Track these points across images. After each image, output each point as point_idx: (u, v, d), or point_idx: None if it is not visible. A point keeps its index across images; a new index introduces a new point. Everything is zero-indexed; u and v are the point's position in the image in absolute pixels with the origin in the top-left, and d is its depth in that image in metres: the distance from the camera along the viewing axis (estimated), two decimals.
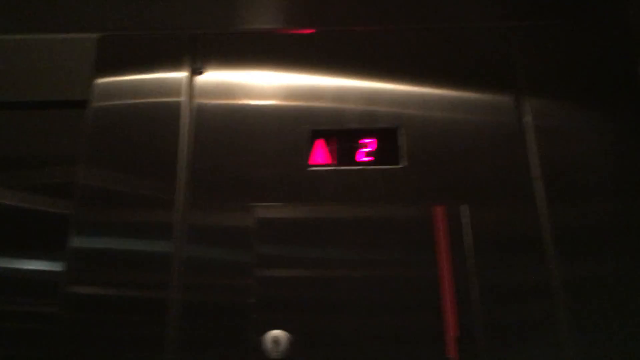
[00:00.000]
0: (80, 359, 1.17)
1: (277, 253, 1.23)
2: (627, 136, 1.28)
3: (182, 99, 1.36)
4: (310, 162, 1.30)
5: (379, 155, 1.30)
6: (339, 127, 1.33)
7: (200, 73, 1.38)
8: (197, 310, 1.18)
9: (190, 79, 1.38)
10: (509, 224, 1.23)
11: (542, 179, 1.25)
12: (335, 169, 1.29)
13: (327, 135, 1.32)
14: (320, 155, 1.30)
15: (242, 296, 1.18)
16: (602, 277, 1.18)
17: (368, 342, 1.16)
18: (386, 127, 1.32)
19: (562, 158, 1.27)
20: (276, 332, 1.14)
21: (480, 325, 1.15)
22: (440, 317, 1.16)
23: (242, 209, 1.25)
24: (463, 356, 1.13)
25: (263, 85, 1.37)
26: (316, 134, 1.32)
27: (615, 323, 1.14)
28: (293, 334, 1.14)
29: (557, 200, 1.24)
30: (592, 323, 1.15)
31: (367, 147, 1.30)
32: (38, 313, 1.42)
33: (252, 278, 1.19)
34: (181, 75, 1.38)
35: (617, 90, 1.32)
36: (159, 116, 1.35)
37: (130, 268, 1.22)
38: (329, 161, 1.30)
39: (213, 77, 1.38)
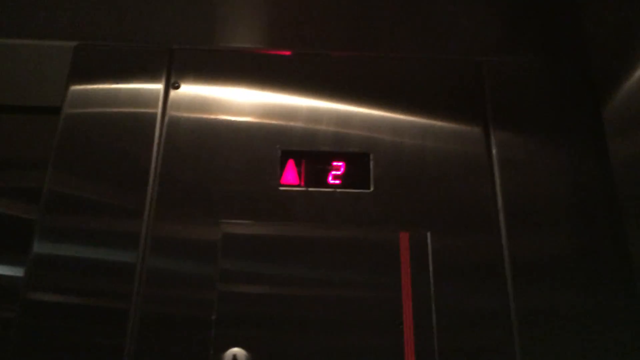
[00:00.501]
0: None
1: (241, 269, 1.23)
2: (587, 172, 1.32)
3: (157, 110, 1.36)
4: (282, 181, 1.30)
5: (348, 179, 1.31)
6: (310, 149, 1.34)
7: (177, 87, 1.38)
8: (158, 323, 1.17)
9: (166, 92, 1.38)
10: (471, 252, 1.25)
11: (504, 209, 1.28)
12: (304, 190, 1.30)
13: (298, 156, 1.32)
14: (290, 176, 1.31)
15: (204, 311, 1.18)
16: (558, 306, 1.20)
17: (330, 345, 1.17)
18: (357, 152, 1.33)
19: (524, 190, 1.30)
20: (235, 350, 1.14)
21: (439, 351, 1.16)
22: (400, 339, 1.17)
23: (209, 224, 1.25)
24: None
25: (237, 102, 1.38)
26: (287, 155, 1.32)
27: (570, 352, 1.17)
28: (254, 352, 1.14)
29: (517, 230, 1.26)
30: (547, 351, 1.17)
31: (337, 170, 1.32)
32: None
33: (214, 293, 1.19)
34: (157, 87, 1.38)
35: (580, 127, 1.36)
36: (132, 127, 1.34)
37: (93, 277, 1.21)
38: (299, 182, 1.30)
39: (188, 91, 1.39)
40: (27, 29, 1.45)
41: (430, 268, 1.22)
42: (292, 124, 1.36)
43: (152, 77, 1.39)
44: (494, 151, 1.33)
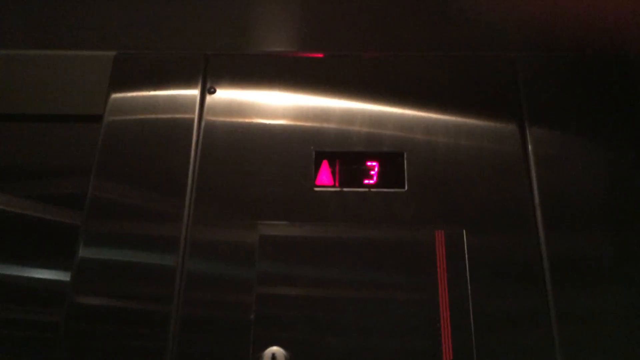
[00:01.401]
0: None
1: (279, 271, 1.24)
2: (627, 168, 1.29)
3: (194, 116, 1.39)
4: (316, 182, 1.31)
5: (382, 179, 1.31)
6: (344, 150, 1.35)
7: (213, 92, 1.41)
8: (198, 325, 1.19)
9: (202, 97, 1.41)
10: (508, 251, 1.24)
11: (541, 207, 1.26)
12: (339, 191, 1.31)
13: (332, 157, 1.33)
14: (324, 177, 1.32)
15: (243, 312, 1.19)
16: (598, 307, 1.18)
17: (368, 348, 1.17)
18: (390, 151, 1.34)
19: (561, 188, 1.28)
20: (274, 349, 1.16)
21: (476, 350, 1.15)
22: (437, 341, 1.16)
23: (246, 226, 1.27)
24: None
25: (271, 105, 1.40)
26: (321, 156, 1.33)
27: (611, 354, 1.14)
28: (291, 352, 1.15)
29: (555, 228, 1.24)
30: (588, 353, 1.14)
31: (371, 170, 1.32)
32: (43, 322, 1.44)
33: (253, 295, 1.20)
34: (193, 92, 1.41)
35: (618, 123, 1.34)
36: (170, 132, 1.37)
37: (135, 280, 1.23)
38: (334, 183, 1.31)
39: (223, 95, 1.41)
40: (67, 40, 1.50)
41: (467, 266, 1.21)
42: (325, 125, 1.37)
43: (188, 83, 1.42)
44: (529, 148, 1.32)
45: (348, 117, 1.38)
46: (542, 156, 1.31)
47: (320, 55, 1.48)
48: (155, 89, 1.42)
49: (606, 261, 1.21)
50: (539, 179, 1.28)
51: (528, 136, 1.33)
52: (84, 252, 1.26)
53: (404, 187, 1.30)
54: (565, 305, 1.17)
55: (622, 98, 1.36)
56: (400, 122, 1.37)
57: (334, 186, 1.31)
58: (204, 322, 1.19)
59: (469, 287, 1.20)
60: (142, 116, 1.40)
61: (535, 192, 1.27)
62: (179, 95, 1.41)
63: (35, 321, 1.44)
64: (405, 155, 1.33)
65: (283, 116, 1.38)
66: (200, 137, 1.36)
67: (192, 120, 1.38)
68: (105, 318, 1.21)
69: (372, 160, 1.33)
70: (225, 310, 1.21)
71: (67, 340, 1.19)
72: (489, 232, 1.25)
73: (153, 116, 1.40)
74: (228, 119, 1.38)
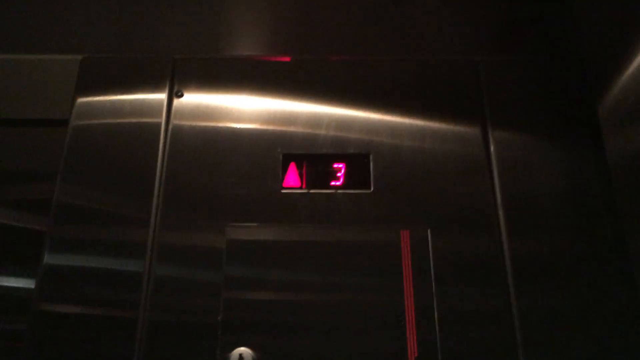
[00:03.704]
0: None
1: (246, 274, 1.24)
2: (586, 169, 1.32)
3: (161, 120, 1.39)
4: (284, 184, 1.32)
5: (348, 180, 1.33)
6: (310, 152, 1.36)
7: (181, 96, 1.41)
8: (166, 330, 1.19)
9: (169, 101, 1.41)
10: (472, 250, 1.26)
11: (503, 208, 1.29)
12: (306, 192, 1.32)
13: (299, 159, 1.35)
14: (292, 179, 1.33)
15: (210, 317, 1.19)
16: (559, 305, 1.21)
17: (334, 351, 1.18)
18: (357, 153, 1.35)
19: (523, 188, 1.31)
20: (241, 349, 1.16)
21: (441, 348, 1.17)
22: (403, 339, 1.18)
23: (213, 229, 1.27)
24: None
25: (239, 109, 1.40)
26: (288, 158, 1.35)
27: (572, 350, 1.17)
28: (259, 355, 1.16)
29: (517, 228, 1.27)
30: (549, 349, 1.17)
31: (337, 172, 1.34)
32: (7, 330, 1.42)
33: (220, 299, 1.21)
34: (161, 97, 1.41)
35: (577, 125, 1.37)
36: (138, 136, 1.37)
37: (101, 286, 1.23)
38: (301, 185, 1.33)
39: (191, 99, 1.41)
40: (33, 43, 1.48)
41: (432, 265, 1.24)
42: (292, 128, 1.38)
43: (155, 87, 1.42)
44: (492, 150, 1.35)
45: (315, 120, 1.39)
46: (504, 158, 1.34)
47: (287, 59, 1.49)
48: (122, 93, 1.41)
49: (567, 260, 1.24)
50: (501, 180, 1.31)
51: (490, 139, 1.36)
52: (49, 259, 1.25)
53: (370, 188, 1.32)
54: (527, 303, 1.20)
55: (580, 100, 1.39)
56: (366, 125, 1.39)
57: (301, 188, 1.32)
58: (172, 326, 1.19)
59: (434, 286, 1.22)
60: (109, 120, 1.39)
61: (498, 193, 1.30)
62: (146, 99, 1.41)
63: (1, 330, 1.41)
64: (371, 157, 1.35)
65: (250, 119, 1.39)
66: (168, 141, 1.36)
67: (160, 124, 1.38)
68: (71, 324, 1.20)
69: (338, 162, 1.34)
70: (193, 314, 1.20)
71: (31, 348, 1.18)
72: (453, 232, 1.27)
73: (120, 120, 1.39)
74: (195, 123, 1.39)
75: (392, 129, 1.38)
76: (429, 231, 1.26)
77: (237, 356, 1.15)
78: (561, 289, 1.21)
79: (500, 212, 1.28)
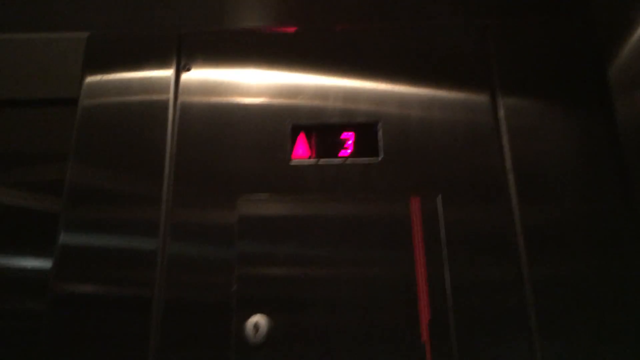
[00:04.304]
0: (66, 356, 1.18)
1: (259, 250, 1.25)
2: (596, 134, 1.31)
3: (169, 96, 1.39)
4: (293, 156, 1.33)
5: (357, 149, 1.33)
6: (319, 122, 1.36)
7: (189, 69, 1.41)
8: (181, 308, 1.20)
9: (177, 77, 1.41)
10: (482, 218, 1.26)
11: (514, 176, 1.28)
12: (315, 162, 1.32)
13: (308, 130, 1.35)
14: (301, 149, 1.33)
15: (225, 293, 1.20)
16: (571, 273, 1.20)
17: (346, 321, 1.19)
18: (365, 122, 1.35)
19: (533, 156, 1.30)
20: (256, 317, 1.17)
21: (454, 316, 1.18)
22: (415, 305, 1.19)
23: (225, 204, 1.28)
24: (435, 340, 1.17)
25: (246, 81, 1.40)
26: (297, 129, 1.35)
27: (585, 319, 1.17)
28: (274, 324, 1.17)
29: (527, 196, 1.26)
30: (562, 319, 1.17)
31: (346, 141, 1.34)
32: (26, 311, 1.44)
33: (233, 275, 1.22)
34: (168, 73, 1.41)
35: (587, 89, 1.35)
36: (146, 114, 1.37)
37: (117, 266, 1.24)
38: (310, 155, 1.33)
39: (198, 74, 1.41)
40: (38, 22, 1.49)
41: (442, 232, 1.24)
42: (300, 100, 1.38)
43: (162, 63, 1.42)
44: (501, 117, 1.34)
45: (323, 91, 1.39)
46: (513, 125, 1.32)
47: (293, 29, 1.48)
48: (129, 70, 1.42)
49: (579, 227, 1.23)
50: (511, 147, 1.30)
51: (499, 105, 1.35)
52: (64, 239, 1.26)
53: (379, 157, 1.32)
54: (540, 272, 1.20)
55: (590, 64, 1.37)
56: (374, 95, 1.38)
57: (310, 158, 1.33)
58: (186, 304, 1.21)
59: (445, 254, 1.22)
60: (118, 99, 1.40)
61: (508, 160, 1.29)
62: (154, 76, 1.41)
63: (18, 310, 1.43)
64: (379, 125, 1.34)
65: (258, 92, 1.39)
66: (177, 118, 1.37)
67: (168, 100, 1.38)
68: (88, 304, 1.21)
69: (347, 131, 1.35)
70: (207, 291, 1.21)
71: (50, 328, 1.20)
72: (464, 200, 1.27)
73: (129, 98, 1.39)
74: (203, 98, 1.39)
75: (401, 98, 1.37)
76: (439, 198, 1.26)
77: (253, 324, 1.16)
78: (573, 257, 1.21)
79: (511, 180, 1.27)
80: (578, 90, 1.35)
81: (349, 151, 1.33)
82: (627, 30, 1.22)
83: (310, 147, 1.33)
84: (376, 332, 1.18)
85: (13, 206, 1.45)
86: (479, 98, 1.36)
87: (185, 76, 1.41)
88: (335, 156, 1.32)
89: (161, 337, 1.18)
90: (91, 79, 1.42)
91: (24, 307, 1.44)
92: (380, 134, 1.34)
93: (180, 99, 1.39)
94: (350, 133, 1.34)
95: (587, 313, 1.17)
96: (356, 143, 1.33)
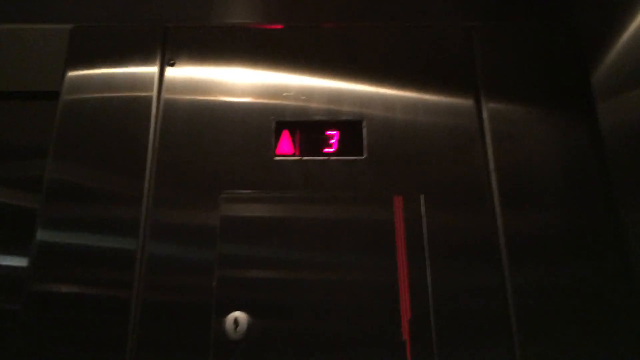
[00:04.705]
0: (41, 357, 1.16)
1: (240, 252, 1.24)
2: (579, 140, 1.32)
3: (152, 93, 1.38)
4: (277, 152, 1.32)
5: (342, 147, 1.33)
6: (303, 119, 1.35)
7: (173, 64, 1.40)
8: (159, 309, 1.19)
9: (161, 73, 1.40)
10: (465, 221, 1.26)
11: (497, 181, 1.29)
12: (299, 159, 1.32)
13: (292, 126, 1.34)
14: (285, 146, 1.33)
15: (205, 295, 1.19)
16: (552, 280, 1.21)
17: (328, 324, 1.18)
18: (350, 120, 1.35)
19: (516, 160, 1.30)
20: (236, 314, 1.15)
21: (433, 312, 1.18)
22: (397, 306, 1.18)
23: (207, 202, 1.27)
24: (416, 340, 1.16)
25: (231, 78, 1.39)
26: (281, 125, 1.34)
27: (565, 326, 1.17)
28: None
29: (510, 201, 1.27)
30: (543, 326, 1.18)
31: (330, 139, 1.34)
32: (2, 310, 1.41)
33: (214, 276, 1.21)
34: (152, 69, 1.40)
35: (571, 94, 1.36)
36: (129, 110, 1.36)
37: (95, 265, 1.22)
38: (294, 152, 1.33)
39: (183, 72, 1.40)
40: (21, 13, 1.46)
41: (425, 232, 1.24)
42: (285, 97, 1.38)
43: (147, 58, 1.41)
44: (485, 121, 1.34)
45: (308, 90, 1.39)
46: (497, 129, 1.33)
47: (279, 26, 1.48)
48: (113, 65, 1.40)
49: (561, 234, 1.23)
50: (495, 151, 1.31)
51: (483, 109, 1.36)
52: (41, 236, 1.25)
53: (363, 155, 1.32)
54: (521, 277, 1.20)
55: (574, 69, 1.38)
56: (359, 95, 1.38)
57: (294, 155, 1.32)
58: (165, 305, 1.19)
59: (427, 254, 1.22)
60: (100, 94, 1.38)
61: (491, 164, 1.30)
62: (138, 72, 1.40)
63: None
64: (364, 124, 1.35)
65: (243, 90, 1.38)
66: (160, 115, 1.36)
67: (151, 97, 1.37)
68: (65, 304, 1.20)
69: (331, 129, 1.34)
70: (187, 292, 1.20)
71: (25, 328, 1.18)
72: (447, 201, 1.27)
73: (111, 94, 1.38)
74: (188, 95, 1.38)
75: (385, 99, 1.37)
76: (422, 197, 1.26)
77: (232, 320, 1.15)
78: (555, 262, 1.21)
79: (494, 184, 1.28)
80: (562, 95, 1.36)
81: (333, 149, 1.33)
82: (611, 36, 1.23)
83: (294, 144, 1.33)
84: (358, 333, 1.17)
85: None
86: (463, 101, 1.37)
87: (170, 72, 1.40)
88: (319, 153, 1.32)
89: (139, 338, 1.16)
90: (74, 72, 1.40)
91: None
92: (364, 132, 1.34)
93: (164, 95, 1.38)
94: (335, 131, 1.34)
95: (567, 318, 1.17)
96: (340, 141, 1.33)
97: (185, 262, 1.23)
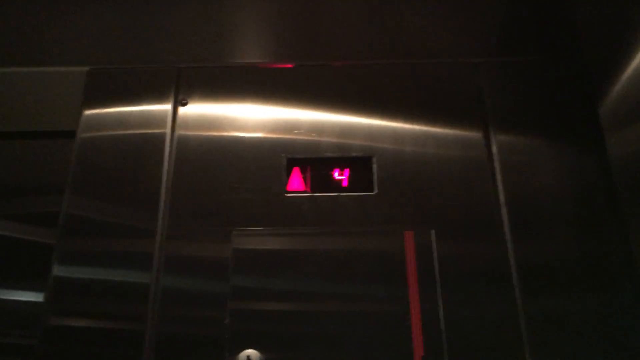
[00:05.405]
0: None
1: (253, 284, 1.25)
2: (589, 171, 1.32)
3: (166, 130, 1.40)
4: (288, 189, 1.34)
5: (352, 183, 1.34)
6: (314, 156, 1.37)
7: (185, 104, 1.43)
8: (173, 342, 1.19)
9: (174, 111, 1.43)
10: (476, 254, 1.26)
11: (507, 212, 1.29)
12: (310, 196, 1.33)
13: (303, 163, 1.36)
14: (296, 183, 1.34)
15: (218, 328, 1.20)
16: (565, 309, 1.20)
17: (340, 357, 1.18)
18: (360, 156, 1.37)
19: (526, 192, 1.31)
20: (249, 352, 1.16)
21: (446, 346, 1.17)
22: (409, 339, 1.18)
23: (220, 237, 1.28)
24: None
25: (243, 116, 1.42)
26: (292, 162, 1.36)
27: (580, 356, 1.16)
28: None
29: (521, 232, 1.27)
30: (557, 356, 1.17)
31: (341, 175, 1.35)
32: (17, 345, 1.42)
33: (227, 309, 1.21)
34: (165, 107, 1.43)
35: (580, 126, 1.37)
36: (143, 147, 1.38)
37: (110, 299, 1.23)
38: (305, 188, 1.34)
39: (195, 108, 1.43)
40: (39, 56, 1.50)
41: (436, 266, 1.24)
42: (296, 135, 1.40)
43: (161, 97, 1.44)
44: (494, 154, 1.35)
45: (318, 126, 1.40)
46: (506, 161, 1.34)
47: (290, 65, 1.50)
48: (128, 104, 1.44)
49: (572, 263, 1.23)
50: (505, 183, 1.31)
51: (493, 142, 1.37)
52: (58, 271, 1.26)
53: (373, 191, 1.33)
54: (534, 308, 1.20)
55: (582, 102, 1.39)
56: (369, 130, 1.40)
57: (305, 191, 1.34)
58: (179, 338, 1.20)
59: (439, 289, 1.22)
60: (116, 132, 1.41)
61: (501, 196, 1.30)
62: (152, 110, 1.43)
63: (9, 344, 1.41)
64: (374, 160, 1.36)
65: (255, 127, 1.41)
66: (173, 151, 1.38)
67: (165, 134, 1.40)
68: (80, 338, 1.20)
69: (342, 165, 1.36)
70: (200, 325, 1.21)
71: None
72: (458, 235, 1.28)
73: (126, 132, 1.41)
74: (200, 132, 1.40)
75: (395, 134, 1.39)
76: (432, 232, 1.27)
77: (245, 357, 1.15)
78: (567, 293, 1.21)
79: (504, 215, 1.28)
80: (570, 127, 1.37)
81: (343, 185, 1.34)
82: (617, 70, 1.24)
83: (305, 180, 1.34)
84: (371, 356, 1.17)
85: (7, 237, 1.45)
86: (472, 134, 1.38)
87: (183, 110, 1.43)
88: (330, 190, 1.33)
89: None
90: (90, 112, 1.43)
91: (15, 341, 1.42)
92: (374, 168, 1.35)
93: (178, 132, 1.40)
94: (345, 167, 1.35)
95: (581, 347, 1.16)
96: (351, 177, 1.34)
97: (198, 295, 1.24)
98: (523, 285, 1.21)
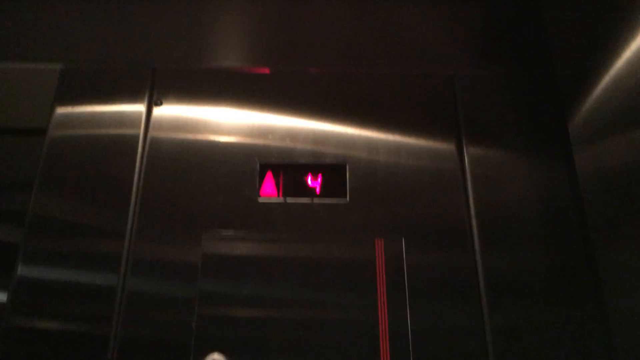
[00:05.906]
0: None
1: (221, 289, 1.24)
2: (558, 185, 1.35)
3: (139, 131, 1.39)
4: (261, 194, 1.33)
5: (325, 190, 1.34)
6: (288, 162, 1.37)
7: (160, 104, 1.42)
8: (138, 345, 1.18)
9: (148, 112, 1.41)
10: (445, 263, 1.28)
11: (477, 223, 1.31)
12: (283, 201, 1.33)
13: (276, 168, 1.36)
14: (269, 188, 1.34)
15: (185, 332, 1.19)
16: (531, 321, 1.22)
17: None
18: (333, 163, 1.37)
19: (496, 204, 1.33)
20: (215, 356, 1.15)
21: (412, 355, 1.18)
22: (376, 348, 1.19)
23: (189, 240, 1.27)
24: None
25: (218, 120, 1.41)
26: (265, 167, 1.36)
27: None
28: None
29: (490, 243, 1.29)
30: None
31: (314, 182, 1.35)
32: None
33: (194, 313, 1.21)
34: (140, 108, 1.42)
35: (550, 141, 1.40)
36: (115, 148, 1.37)
37: (75, 300, 1.22)
38: (278, 194, 1.34)
39: (169, 110, 1.42)
40: (13, 51, 1.48)
41: (405, 274, 1.25)
42: (270, 140, 1.40)
43: (135, 98, 1.43)
44: (466, 166, 1.37)
45: (293, 132, 1.41)
46: (478, 173, 1.36)
47: (267, 71, 1.50)
48: (101, 104, 1.42)
49: (539, 275, 1.26)
50: (475, 194, 1.33)
51: (465, 154, 1.38)
52: (22, 271, 1.24)
53: (346, 198, 1.33)
54: (500, 319, 1.22)
55: (552, 116, 1.42)
56: (343, 138, 1.40)
57: (277, 197, 1.33)
58: (145, 341, 1.19)
59: (407, 295, 1.23)
60: (87, 131, 1.39)
61: (472, 207, 1.32)
62: (125, 110, 1.42)
63: None
64: (347, 167, 1.36)
65: (229, 131, 1.40)
66: (146, 153, 1.37)
67: (138, 135, 1.38)
68: (44, 340, 1.18)
69: (315, 171, 1.36)
70: (167, 329, 1.20)
71: None
72: (428, 244, 1.29)
73: (98, 131, 1.39)
74: (174, 135, 1.39)
75: (369, 143, 1.40)
76: (403, 240, 1.28)
77: None
78: (533, 304, 1.23)
79: (474, 226, 1.30)
80: (540, 141, 1.40)
81: (316, 191, 1.34)
82: (587, 88, 1.26)
83: (278, 185, 1.34)
84: None
85: None
86: (445, 146, 1.39)
87: (157, 112, 1.42)
88: (303, 196, 1.34)
89: None
90: (62, 110, 1.41)
91: None
92: (347, 176, 1.35)
93: (151, 133, 1.39)
94: (318, 174, 1.36)
95: (545, 359, 1.18)
96: (324, 184, 1.35)
97: (165, 299, 1.22)
98: (489, 296, 1.23)
